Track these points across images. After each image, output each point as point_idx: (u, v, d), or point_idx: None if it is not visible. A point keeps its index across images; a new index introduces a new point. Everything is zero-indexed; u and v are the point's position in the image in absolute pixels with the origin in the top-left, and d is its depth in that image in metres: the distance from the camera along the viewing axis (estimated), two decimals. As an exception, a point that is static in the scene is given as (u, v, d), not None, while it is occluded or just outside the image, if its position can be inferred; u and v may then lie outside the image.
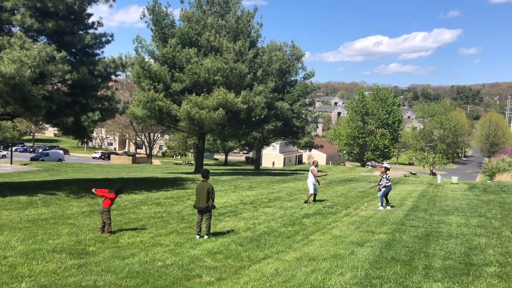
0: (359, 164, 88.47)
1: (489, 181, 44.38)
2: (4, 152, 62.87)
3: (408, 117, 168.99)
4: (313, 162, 17.95)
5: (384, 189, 16.07)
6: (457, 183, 33.24)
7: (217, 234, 10.58)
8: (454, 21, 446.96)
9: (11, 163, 47.91)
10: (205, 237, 10.02)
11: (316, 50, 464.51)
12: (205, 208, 9.95)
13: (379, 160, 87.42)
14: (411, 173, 64.14)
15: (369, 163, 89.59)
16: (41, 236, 9.66)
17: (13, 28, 18.16)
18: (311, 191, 16.98)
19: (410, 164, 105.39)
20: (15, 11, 17.19)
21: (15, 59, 14.53)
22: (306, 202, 16.82)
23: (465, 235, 11.29)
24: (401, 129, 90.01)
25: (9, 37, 16.07)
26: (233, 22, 32.49)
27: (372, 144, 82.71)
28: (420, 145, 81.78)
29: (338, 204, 16.93)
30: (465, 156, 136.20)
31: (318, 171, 17.27)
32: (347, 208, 16.09)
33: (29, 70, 15.06)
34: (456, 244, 10.07)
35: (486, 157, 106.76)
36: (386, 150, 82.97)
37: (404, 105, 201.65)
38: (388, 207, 16.14)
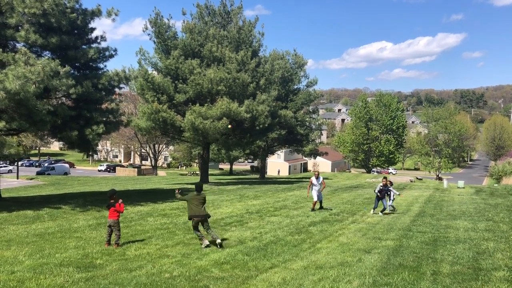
0: (365, 171, 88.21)
1: (496, 185, 44.10)
2: (10, 167, 63.13)
3: (412, 122, 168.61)
4: (315, 172, 17.97)
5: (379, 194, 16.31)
6: (463, 187, 33.08)
7: (223, 244, 10.55)
8: (458, 25, 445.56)
9: (18, 178, 48.13)
10: (218, 241, 10.11)
11: (319, 58, 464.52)
12: (205, 215, 10.12)
13: (384, 166, 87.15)
14: (417, 178, 63.90)
15: (374, 169, 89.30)
16: (48, 250, 9.69)
17: (17, 44, 18.40)
18: (315, 199, 16.92)
19: (416, 169, 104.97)
20: (19, 28, 17.43)
21: (19, 75, 14.68)
22: (312, 210, 16.78)
23: (473, 239, 11.21)
24: (405, 135, 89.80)
25: (13, 54, 16.27)
26: (234, 32, 32.68)
27: (377, 150, 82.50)
28: (425, 150, 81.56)
29: (344, 211, 16.87)
30: (471, 160, 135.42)
31: (321, 182, 17.13)
32: (354, 215, 16.03)
33: (34, 85, 15.21)
34: (464, 249, 10.00)
35: (492, 161, 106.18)
36: (391, 156, 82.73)
37: (408, 111, 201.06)
38: (380, 214, 16.11)
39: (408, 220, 14.63)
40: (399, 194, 17.89)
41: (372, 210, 16.68)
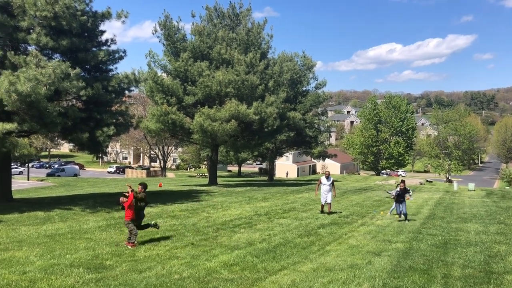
0: (374, 173, 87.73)
1: (508, 187, 43.66)
2: (21, 169, 63.76)
3: (422, 124, 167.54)
4: (325, 172, 17.59)
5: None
6: (474, 190, 32.79)
7: (232, 246, 10.57)
8: (468, 26, 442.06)
9: (28, 179, 48.58)
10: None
11: (328, 59, 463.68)
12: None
13: (394, 168, 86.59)
14: (426, 180, 63.36)
15: (384, 171, 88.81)
16: (59, 251, 9.76)
17: (29, 47, 18.59)
18: (323, 201, 16.67)
19: (425, 171, 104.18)
20: (31, 30, 17.61)
21: (31, 77, 14.84)
22: (321, 212, 16.68)
23: (484, 242, 11.11)
24: (415, 137, 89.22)
25: (25, 56, 16.44)
26: (243, 34, 32.74)
27: (386, 152, 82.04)
28: (435, 152, 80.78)
29: (353, 214, 16.79)
30: (481, 162, 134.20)
31: (331, 182, 16.74)
32: (363, 217, 15.95)
33: (45, 87, 15.35)
34: (475, 252, 9.91)
35: (504, 163, 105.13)
36: (400, 158, 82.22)
37: (417, 112, 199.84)
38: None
39: (418, 223, 14.52)
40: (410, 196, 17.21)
41: (389, 213, 16.46)
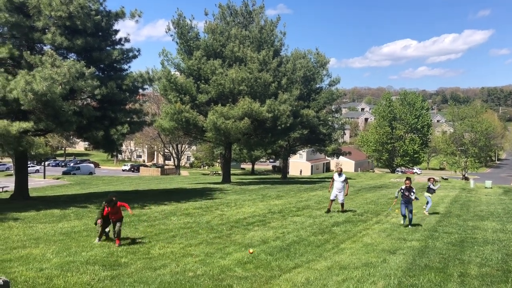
0: (389, 171, 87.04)
1: (525, 185, 42.91)
2: (38, 167, 64.66)
3: (438, 121, 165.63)
4: (337, 169, 17.08)
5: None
6: (491, 188, 32.33)
7: (246, 243, 10.56)
8: (485, 21, 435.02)
9: (44, 178, 49.25)
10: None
11: (342, 56, 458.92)
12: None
13: (409, 166, 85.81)
14: (442, 178, 62.65)
15: (399, 169, 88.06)
16: (74, 249, 9.86)
17: (44, 47, 18.84)
18: (332, 197, 16.11)
19: (441, 169, 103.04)
20: (46, 30, 17.83)
21: (46, 76, 15.02)
22: (327, 211, 16.22)
23: (502, 241, 10.93)
24: (430, 134, 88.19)
25: (40, 56, 16.66)
26: (256, 32, 32.70)
27: (401, 150, 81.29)
28: (451, 149, 79.84)
29: (368, 212, 16.66)
30: (498, 160, 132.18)
31: (344, 179, 16.29)
32: (378, 215, 15.81)
33: (60, 86, 15.53)
34: (492, 250, 9.76)
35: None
36: (416, 155, 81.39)
37: (433, 109, 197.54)
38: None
39: (433, 221, 14.35)
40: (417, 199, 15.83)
41: (426, 211, 16.18)
